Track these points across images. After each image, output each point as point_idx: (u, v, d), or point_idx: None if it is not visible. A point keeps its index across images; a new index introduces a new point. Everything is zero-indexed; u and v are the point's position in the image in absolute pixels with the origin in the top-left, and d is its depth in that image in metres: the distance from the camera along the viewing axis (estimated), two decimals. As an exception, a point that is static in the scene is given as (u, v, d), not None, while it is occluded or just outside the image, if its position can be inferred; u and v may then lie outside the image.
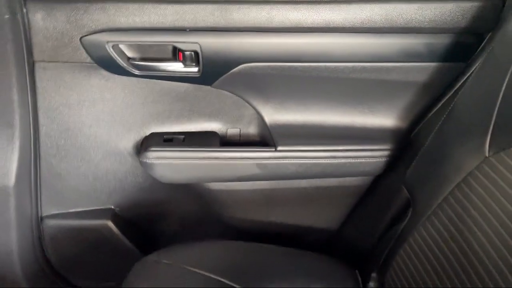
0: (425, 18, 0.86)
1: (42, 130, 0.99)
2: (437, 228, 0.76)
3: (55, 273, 1.17)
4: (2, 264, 1.08)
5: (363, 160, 1.01)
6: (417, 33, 0.89)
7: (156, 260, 0.92)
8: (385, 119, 1.02)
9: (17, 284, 1.11)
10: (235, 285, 0.89)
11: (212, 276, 0.90)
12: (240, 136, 1.06)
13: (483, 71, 0.80)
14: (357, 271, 0.98)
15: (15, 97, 0.91)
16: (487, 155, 0.71)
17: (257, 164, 1.01)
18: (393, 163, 1.01)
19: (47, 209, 1.10)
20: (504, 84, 0.73)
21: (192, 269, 0.91)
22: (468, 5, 0.85)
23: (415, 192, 0.86)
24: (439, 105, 0.93)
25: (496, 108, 0.73)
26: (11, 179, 0.97)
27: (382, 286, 0.90)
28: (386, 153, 1.01)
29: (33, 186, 1.04)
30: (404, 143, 1.00)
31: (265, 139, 1.03)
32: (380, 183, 1.06)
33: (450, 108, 0.84)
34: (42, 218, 1.10)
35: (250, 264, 0.96)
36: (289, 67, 0.93)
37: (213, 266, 0.92)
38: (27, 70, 0.91)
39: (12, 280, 1.11)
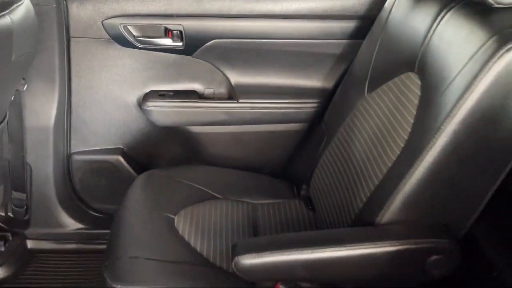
0: (336, 8, 1.28)
1: (73, 86, 1.41)
2: (337, 146, 1.18)
3: (78, 197, 1.58)
4: (41, 187, 1.49)
5: (300, 110, 1.43)
6: (331, 19, 1.31)
7: (154, 174, 1.33)
8: (315, 81, 1.43)
9: (52, 203, 1.52)
10: (216, 195, 1.29)
11: (201, 187, 1.30)
12: (214, 94, 1.47)
13: (368, 42, 1.22)
14: (294, 186, 1.39)
15: (56, 62, 1.33)
16: (365, 95, 1.13)
17: (225, 112, 1.43)
18: (322, 113, 1.42)
19: (74, 147, 1.51)
20: (375, 50, 1.15)
21: (184, 181, 1.30)
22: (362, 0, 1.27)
23: (327, 126, 1.28)
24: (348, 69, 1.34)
25: (371, 66, 1.15)
26: (51, 121, 1.39)
27: (307, 192, 1.31)
28: (316, 105, 1.43)
29: (65, 128, 1.46)
30: (329, 98, 1.41)
31: (231, 95, 1.45)
32: (313, 129, 1.47)
33: (349, 68, 1.26)
34: (70, 154, 1.52)
35: (225, 182, 1.36)
36: (246, 42, 1.35)
37: (201, 181, 1.32)
38: (65, 44, 1.33)
39: (48, 201, 1.52)
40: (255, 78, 1.43)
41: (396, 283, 0.91)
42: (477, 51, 0.78)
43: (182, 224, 1.15)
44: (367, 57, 1.18)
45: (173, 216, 1.16)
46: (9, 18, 0.92)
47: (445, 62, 0.87)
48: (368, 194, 0.96)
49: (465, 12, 0.90)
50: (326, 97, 1.41)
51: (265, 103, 1.42)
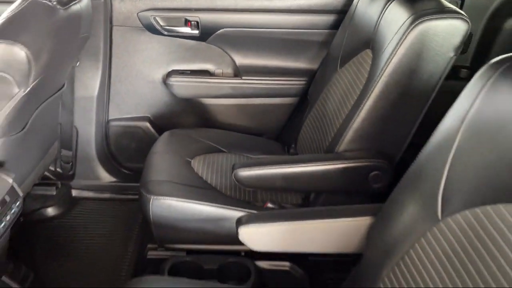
0: (319, 4, 1.66)
1: (113, 65, 1.80)
2: (316, 110, 1.55)
3: (113, 156, 1.96)
4: (84, 147, 1.87)
5: (290, 86, 1.80)
6: (315, 13, 1.69)
7: (175, 132, 1.70)
8: (302, 63, 1.80)
9: (92, 161, 1.90)
10: (223, 149, 1.64)
11: (211, 143, 1.65)
12: (222, 73, 1.85)
13: (341, 30, 1.59)
14: (286, 146, 1.76)
15: (101, 45, 1.72)
16: (338, 69, 1.50)
17: (231, 87, 1.81)
18: (307, 89, 1.78)
19: (112, 115, 1.90)
20: (345, 35, 1.52)
21: (198, 138, 1.66)
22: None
23: (310, 97, 1.65)
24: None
25: (342, 48, 1.52)
26: (95, 93, 1.78)
27: (295, 150, 1.67)
28: (303, 82, 1.79)
29: (105, 99, 1.85)
30: (313, 76, 1.78)
31: (236, 73, 1.83)
32: (301, 102, 1.83)
33: (327, 51, 1.63)
34: (108, 121, 1.90)
35: (230, 141, 1.71)
36: (248, 31, 1.73)
37: (211, 138, 1.67)
38: (108, 31, 1.72)
39: (89, 158, 1.90)
40: (255, 60, 1.81)
41: (349, 193, 1.27)
42: (400, 26, 1.16)
43: (197, 165, 1.52)
44: (339, 41, 1.55)
45: (190, 159, 1.53)
46: (79, 6, 1.31)
47: (384, 37, 1.24)
48: (333, 135, 1.33)
49: (402, 1, 1.27)
50: (311, 76, 1.78)
51: (263, 80, 1.80)
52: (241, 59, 1.81)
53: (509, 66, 0.68)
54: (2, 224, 1.14)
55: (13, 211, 1.18)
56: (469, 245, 0.64)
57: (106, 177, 1.93)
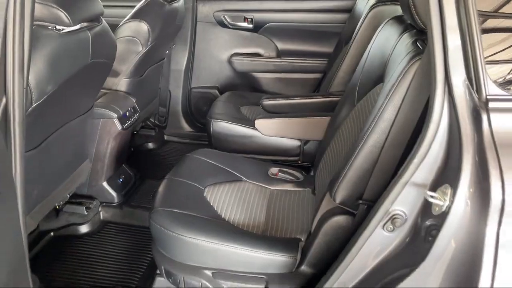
0: (329, 6, 2.42)
1: (196, 48, 2.68)
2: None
3: (192, 113, 2.82)
4: (174, 106, 2.76)
5: (314, 64, 2.55)
6: (328, 12, 2.45)
7: (235, 93, 2.52)
8: (321, 47, 2.55)
9: (179, 116, 2.78)
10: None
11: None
12: (268, 55, 2.65)
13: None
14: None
15: (189, 34, 2.61)
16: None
17: (274, 64, 2.61)
18: (326, 68, 2.51)
19: (193, 84, 2.77)
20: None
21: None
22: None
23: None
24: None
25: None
26: (183, 67, 2.67)
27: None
28: (324, 62, 2.54)
29: (189, 72, 2.73)
30: (329, 56, 2.51)
31: (278, 55, 2.63)
32: (323, 78, 2.56)
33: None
34: (190, 88, 2.78)
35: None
36: (285, 25, 2.54)
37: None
38: (194, 25, 2.61)
39: (177, 114, 2.78)
40: (290, 45, 2.60)
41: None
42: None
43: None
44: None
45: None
46: (177, 4, 2.20)
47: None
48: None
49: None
50: (328, 56, 2.52)
51: (295, 59, 2.58)
52: (281, 45, 2.61)
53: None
54: (128, 123, 2.00)
55: (134, 118, 2.05)
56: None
57: (186, 128, 2.79)
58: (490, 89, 0.88)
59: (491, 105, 0.88)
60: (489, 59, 0.92)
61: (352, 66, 1.91)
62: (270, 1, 2.53)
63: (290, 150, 2.02)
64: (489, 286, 0.88)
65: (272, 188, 1.70)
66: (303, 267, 1.33)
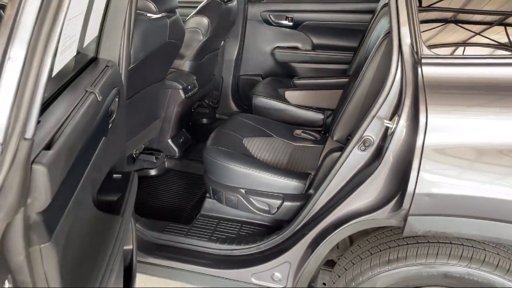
0: (354, 8, 2.92)
1: (246, 41, 3.25)
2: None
3: (240, 97, 3.38)
4: (225, 91, 3.34)
5: (341, 57, 3.05)
6: (353, 13, 2.95)
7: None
8: (349, 43, 3.03)
9: (228, 97, 3.35)
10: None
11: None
12: (305, 48, 3.18)
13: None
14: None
15: (239, 30, 3.18)
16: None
17: (309, 56, 3.13)
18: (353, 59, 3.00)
19: (241, 72, 3.33)
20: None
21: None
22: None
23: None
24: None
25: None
26: (234, 57, 3.24)
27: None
28: (350, 55, 3.02)
29: (239, 62, 3.29)
30: (354, 50, 2.99)
31: (313, 48, 3.15)
32: (349, 69, 3.05)
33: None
34: (239, 75, 3.34)
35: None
36: (319, 23, 3.06)
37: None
38: (244, 22, 3.18)
39: (227, 97, 3.35)
40: (323, 40, 3.11)
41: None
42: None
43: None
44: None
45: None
46: (231, 4, 2.78)
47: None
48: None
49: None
50: (353, 50, 3.00)
51: (327, 52, 3.08)
52: (315, 40, 3.13)
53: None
54: (190, 94, 2.59)
55: (193, 91, 2.63)
56: None
57: (234, 108, 3.35)
58: (424, 50, 1.37)
59: (424, 61, 1.36)
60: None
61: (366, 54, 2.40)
62: (307, 3, 3.06)
63: (315, 122, 2.53)
64: (414, 181, 1.35)
65: (295, 144, 2.22)
66: (310, 191, 1.85)
